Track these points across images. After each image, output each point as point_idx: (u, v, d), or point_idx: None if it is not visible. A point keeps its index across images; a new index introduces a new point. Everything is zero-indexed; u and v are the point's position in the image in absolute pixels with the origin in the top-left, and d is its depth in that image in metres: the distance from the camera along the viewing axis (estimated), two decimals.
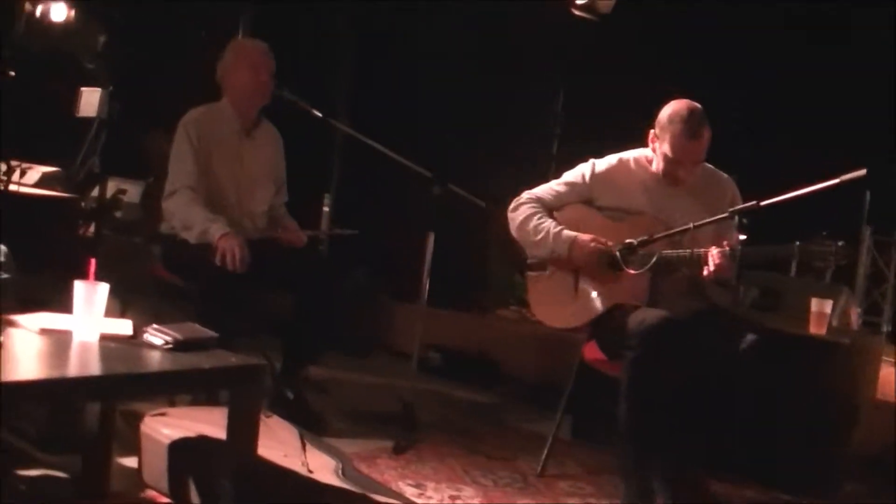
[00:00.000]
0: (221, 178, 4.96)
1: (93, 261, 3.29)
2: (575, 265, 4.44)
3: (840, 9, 7.03)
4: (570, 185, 4.56)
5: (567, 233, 4.42)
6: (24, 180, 7.17)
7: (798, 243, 3.91)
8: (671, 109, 4.33)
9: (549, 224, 4.48)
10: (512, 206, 4.62)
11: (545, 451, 4.65)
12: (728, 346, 4.04)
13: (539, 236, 4.49)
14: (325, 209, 7.42)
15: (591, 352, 4.48)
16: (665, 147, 4.31)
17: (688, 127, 4.26)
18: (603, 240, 4.36)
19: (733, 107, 6.94)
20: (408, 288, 5.53)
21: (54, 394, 2.92)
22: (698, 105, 4.32)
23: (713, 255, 4.02)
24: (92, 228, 7.21)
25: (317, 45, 7.22)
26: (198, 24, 7.80)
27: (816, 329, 4.95)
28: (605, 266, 4.34)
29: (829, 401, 4.82)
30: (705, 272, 4.07)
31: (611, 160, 4.54)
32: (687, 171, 4.35)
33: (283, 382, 4.87)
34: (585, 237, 4.38)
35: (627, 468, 4.12)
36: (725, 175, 4.51)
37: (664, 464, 4.09)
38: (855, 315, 6.40)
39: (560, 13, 7.05)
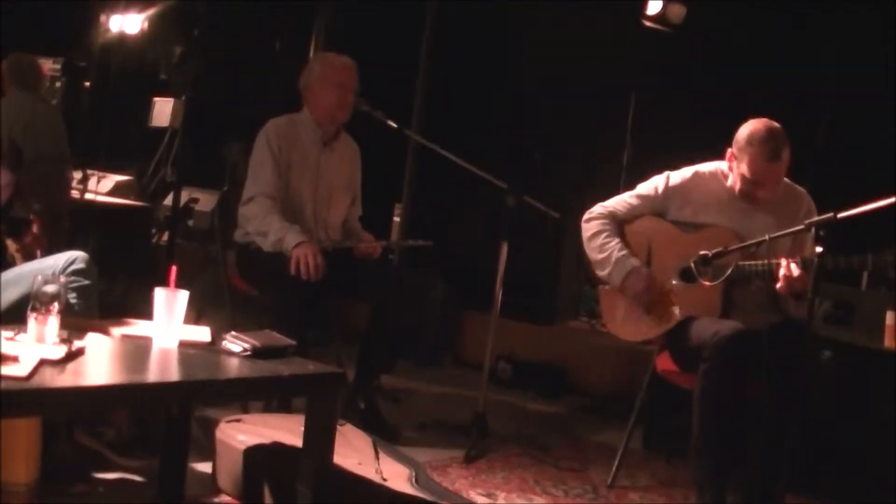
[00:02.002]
0: (299, 189, 5.00)
1: (174, 268, 3.33)
2: (628, 294, 4.46)
3: None
4: (643, 197, 4.54)
5: (630, 261, 4.44)
6: (99, 188, 7.29)
7: (870, 255, 3.87)
8: (750, 129, 4.26)
9: (614, 245, 4.49)
10: (585, 216, 4.62)
11: (616, 462, 4.63)
12: (803, 361, 4.00)
13: (602, 255, 4.50)
14: (396, 219, 7.44)
15: (664, 363, 4.47)
16: (743, 168, 4.26)
17: (768, 149, 4.20)
18: (658, 284, 4.39)
19: (812, 115, 6.89)
20: (479, 298, 5.54)
21: (134, 399, 2.97)
22: (777, 125, 4.25)
23: (784, 265, 3.98)
24: (165, 236, 7.31)
25: (391, 51, 7.25)
26: (272, 35, 7.88)
27: (892, 342, 4.89)
28: (678, 279, 4.33)
29: None
30: (778, 285, 4.03)
31: (685, 173, 4.51)
32: (766, 191, 4.30)
33: (356, 391, 4.90)
34: (643, 272, 4.41)
35: (701, 481, 4.10)
36: (800, 188, 4.46)
37: (738, 478, 4.07)
38: None
39: (632, 22, 7.03)
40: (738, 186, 4.33)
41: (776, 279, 4.04)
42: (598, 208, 4.62)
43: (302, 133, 5.04)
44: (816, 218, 3.75)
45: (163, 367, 3.18)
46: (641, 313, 4.45)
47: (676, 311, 4.34)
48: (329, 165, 5.09)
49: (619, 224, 4.57)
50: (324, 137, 5.08)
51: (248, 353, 3.28)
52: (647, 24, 7.08)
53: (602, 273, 4.54)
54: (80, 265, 3.86)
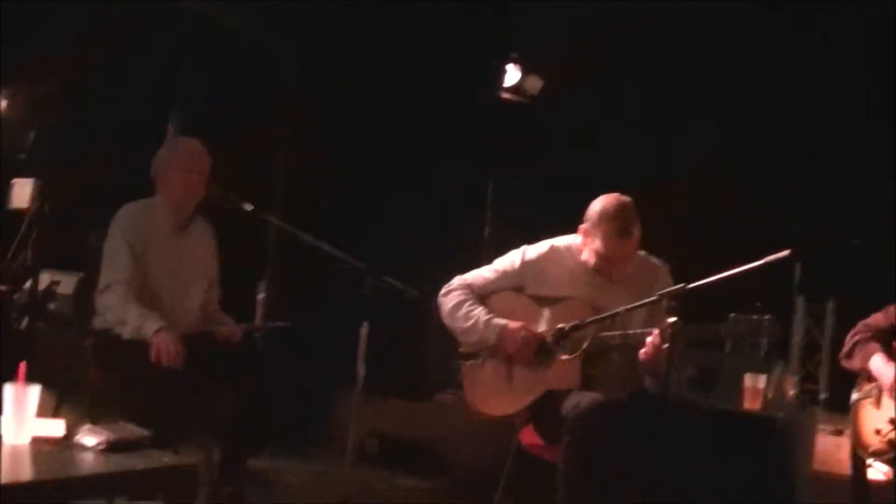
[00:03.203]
0: (155, 275, 4.92)
1: (23, 364, 3.26)
2: (505, 353, 4.47)
3: None
4: (500, 271, 4.58)
5: (497, 321, 4.45)
6: None
7: (724, 323, 3.97)
8: (600, 206, 4.34)
9: (479, 311, 4.51)
10: (443, 291, 4.65)
11: None
12: (662, 428, 4.06)
13: (469, 323, 4.52)
14: (260, 296, 7.39)
15: (528, 437, 4.49)
16: (597, 244, 4.33)
17: (618, 225, 4.28)
18: (532, 328, 4.41)
19: (671, 185, 7.05)
20: (349, 377, 5.52)
21: None
22: (628, 199, 4.34)
23: (654, 335, 4.03)
24: (25, 322, 7.14)
25: (250, 133, 7.25)
26: (128, 121, 7.80)
27: (750, 404, 5.01)
28: (536, 352, 4.36)
29: (767, 476, 4.85)
30: (642, 353, 4.08)
31: (541, 248, 4.56)
32: (618, 266, 4.38)
33: (221, 477, 4.82)
34: (515, 325, 4.42)
35: None
36: (657, 262, 4.53)
37: None
38: (791, 385, 6.47)
39: (489, 98, 7.14)
40: (592, 261, 4.40)
41: (635, 350, 4.10)
42: (457, 281, 4.65)
43: (155, 218, 4.97)
44: (667, 289, 3.84)
45: (14, 466, 3.10)
46: (505, 387, 4.48)
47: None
48: (185, 250, 5.04)
49: (478, 297, 4.60)
50: (178, 222, 5.03)
51: (104, 447, 3.22)
52: (505, 95, 7.19)
53: (472, 340, 4.55)
54: None
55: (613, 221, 4.28)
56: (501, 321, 4.45)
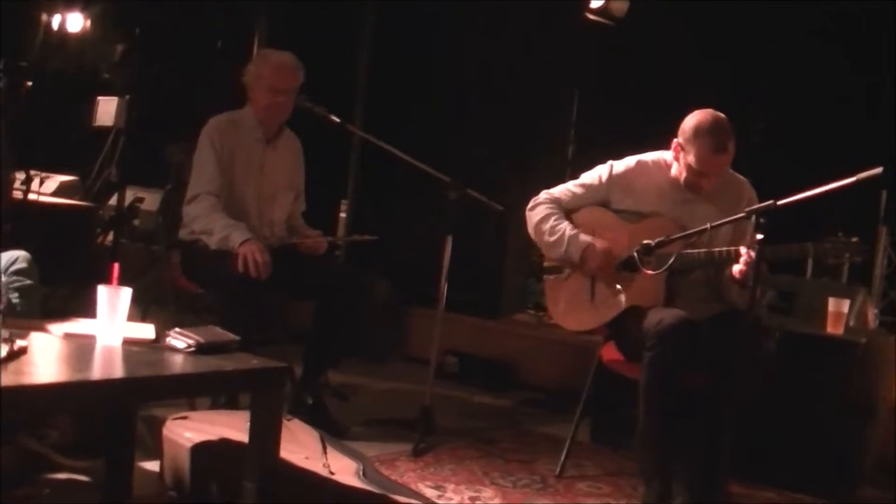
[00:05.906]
0: (242, 187, 4.97)
1: (116, 266, 3.32)
2: (587, 270, 4.46)
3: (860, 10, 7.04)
4: (587, 186, 4.55)
5: (583, 237, 4.43)
6: (42, 189, 7.22)
7: (812, 242, 3.93)
8: (697, 121, 4.28)
9: (565, 226, 4.48)
10: (530, 204, 4.63)
11: (563, 453, 4.65)
12: (747, 349, 4.03)
13: (554, 238, 4.50)
14: (342, 215, 7.44)
15: (610, 353, 4.50)
16: (690, 158, 4.28)
17: (714, 140, 4.23)
18: (617, 250, 4.39)
19: (750, 108, 6.97)
20: (425, 293, 5.54)
21: (78, 397, 2.94)
22: (723, 116, 4.27)
23: (745, 253, 3.97)
24: (110, 237, 7.25)
25: (333, 48, 7.24)
26: (214, 32, 7.84)
27: (833, 329, 4.95)
28: (621, 268, 4.35)
29: (846, 400, 4.82)
30: (737, 271, 4.05)
31: (629, 162, 4.53)
32: (710, 181, 4.34)
33: (303, 388, 4.89)
34: (600, 245, 4.40)
35: (647, 469, 4.14)
36: (742, 177, 4.49)
37: (683, 465, 4.11)
38: (872, 315, 6.38)
39: (575, 17, 7.06)
40: (683, 176, 4.36)
41: (720, 268, 4.08)
42: (544, 195, 4.62)
43: (244, 131, 5.01)
44: (757, 206, 3.81)
45: (106, 364, 3.16)
46: (586, 303, 4.48)
47: (622, 297, 4.37)
48: (272, 163, 5.07)
49: (564, 212, 4.59)
50: (266, 135, 5.05)
51: (193, 349, 3.27)
52: (591, 17, 7.11)
53: (556, 254, 4.52)
54: (21, 265, 3.84)
55: (709, 136, 4.23)
56: (587, 238, 4.43)
